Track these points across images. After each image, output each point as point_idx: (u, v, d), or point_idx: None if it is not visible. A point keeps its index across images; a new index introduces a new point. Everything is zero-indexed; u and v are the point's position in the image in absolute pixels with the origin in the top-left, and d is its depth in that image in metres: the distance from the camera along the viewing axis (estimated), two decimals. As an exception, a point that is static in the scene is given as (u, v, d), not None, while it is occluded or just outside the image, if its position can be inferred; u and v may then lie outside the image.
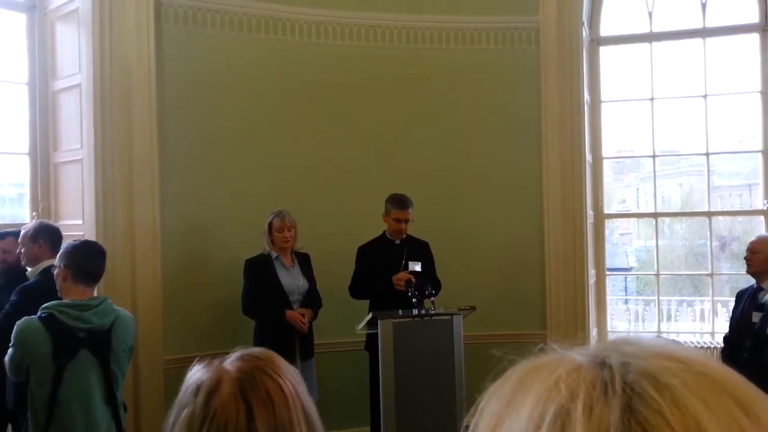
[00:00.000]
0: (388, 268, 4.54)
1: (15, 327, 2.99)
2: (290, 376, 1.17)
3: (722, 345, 4.64)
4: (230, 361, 1.17)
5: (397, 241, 4.71)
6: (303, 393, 1.17)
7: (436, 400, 4.08)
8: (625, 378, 0.47)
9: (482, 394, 0.54)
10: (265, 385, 1.13)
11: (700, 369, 0.48)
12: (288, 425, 1.12)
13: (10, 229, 4.24)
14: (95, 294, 3.31)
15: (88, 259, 3.14)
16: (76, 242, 3.29)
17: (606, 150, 6.14)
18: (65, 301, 3.06)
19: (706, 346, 5.64)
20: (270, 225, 4.50)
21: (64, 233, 3.96)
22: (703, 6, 5.81)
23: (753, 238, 4.57)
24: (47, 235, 3.78)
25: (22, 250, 3.82)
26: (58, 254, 3.23)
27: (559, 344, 0.54)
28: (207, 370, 1.16)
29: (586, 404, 0.46)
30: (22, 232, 3.87)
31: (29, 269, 3.79)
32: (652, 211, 6.65)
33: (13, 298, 3.53)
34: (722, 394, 0.47)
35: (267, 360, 1.19)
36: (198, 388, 1.13)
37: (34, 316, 2.99)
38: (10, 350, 3.02)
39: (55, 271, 3.16)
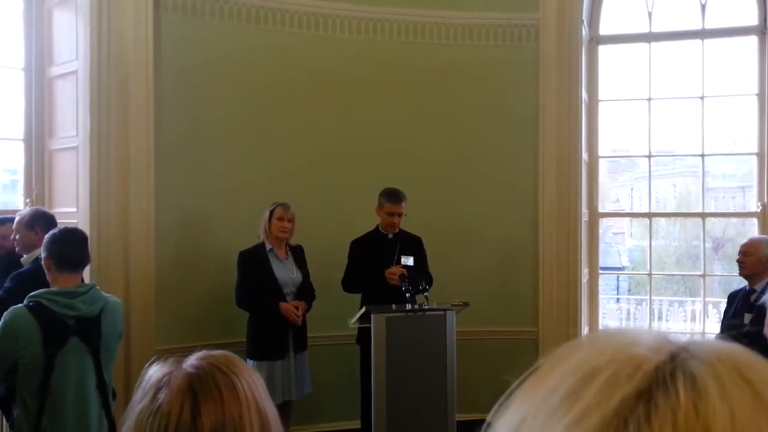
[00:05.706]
0: (381, 262, 4.54)
1: (2, 319, 2.92)
2: (247, 376, 1.15)
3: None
4: (188, 360, 1.16)
5: (390, 236, 4.70)
6: (260, 394, 1.15)
7: (428, 395, 4.10)
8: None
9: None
10: (215, 380, 1.11)
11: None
12: (238, 421, 1.09)
13: (8, 216, 4.22)
14: (86, 280, 3.28)
15: (67, 248, 3.07)
16: (56, 231, 3.20)
17: (602, 149, 6.14)
18: (52, 289, 3.01)
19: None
20: (272, 212, 4.49)
21: (57, 220, 3.94)
22: (703, 7, 5.81)
23: (745, 241, 4.60)
24: (43, 222, 3.74)
25: (17, 237, 3.80)
26: (42, 244, 3.17)
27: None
28: (162, 366, 1.15)
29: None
30: (17, 218, 3.85)
31: (24, 256, 3.78)
32: (646, 211, 6.66)
33: (7, 284, 3.51)
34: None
35: (224, 359, 1.17)
36: (151, 384, 1.13)
37: (20, 305, 2.93)
38: None
39: (42, 261, 3.14)
